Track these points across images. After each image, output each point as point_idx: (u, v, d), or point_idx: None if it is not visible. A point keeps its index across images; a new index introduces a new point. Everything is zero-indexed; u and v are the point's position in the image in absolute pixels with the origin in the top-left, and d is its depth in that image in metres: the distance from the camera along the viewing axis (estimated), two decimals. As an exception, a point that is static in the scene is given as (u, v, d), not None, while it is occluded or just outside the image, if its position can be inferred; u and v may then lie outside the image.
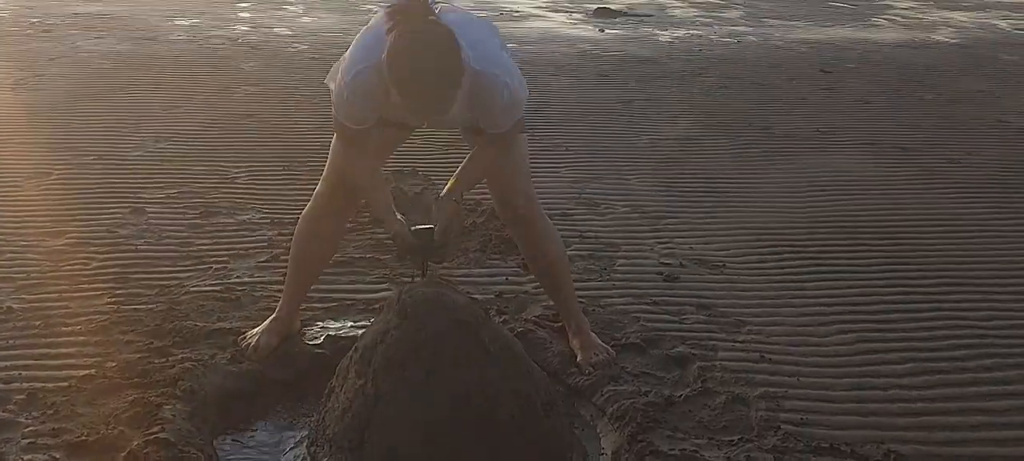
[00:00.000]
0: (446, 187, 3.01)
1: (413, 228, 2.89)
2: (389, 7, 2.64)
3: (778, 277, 4.02)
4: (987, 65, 9.03)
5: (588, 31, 9.95)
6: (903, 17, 12.05)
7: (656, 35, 9.87)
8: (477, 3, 11.46)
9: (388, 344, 2.76)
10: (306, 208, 3.25)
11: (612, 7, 11.35)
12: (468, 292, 3.21)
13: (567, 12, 11.20)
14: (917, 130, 6.50)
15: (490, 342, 2.78)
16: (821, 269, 4.10)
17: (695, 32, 10.16)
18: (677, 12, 11.58)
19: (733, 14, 11.61)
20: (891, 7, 12.86)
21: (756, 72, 8.20)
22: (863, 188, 5.20)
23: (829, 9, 12.30)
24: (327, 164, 3.17)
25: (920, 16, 12.25)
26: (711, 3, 12.38)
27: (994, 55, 9.59)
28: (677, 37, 9.80)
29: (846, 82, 7.99)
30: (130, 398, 2.89)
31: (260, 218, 4.41)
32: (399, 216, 2.92)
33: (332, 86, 2.92)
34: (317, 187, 3.22)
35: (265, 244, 4.13)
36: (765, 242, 4.38)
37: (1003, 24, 11.88)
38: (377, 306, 3.54)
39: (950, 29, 11.31)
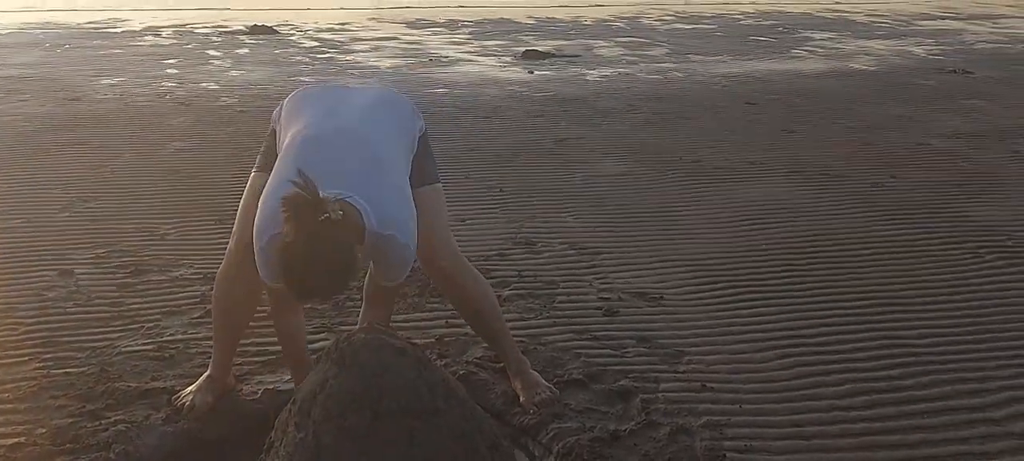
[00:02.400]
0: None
1: None
2: (283, 199, 2.53)
3: (715, 306, 4.06)
4: (905, 91, 9.27)
5: (517, 74, 10.02)
6: (822, 48, 12.34)
7: (584, 75, 9.97)
8: (407, 51, 11.51)
9: (328, 393, 2.71)
10: (221, 266, 3.19)
11: (540, 49, 11.46)
12: (408, 336, 3.17)
13: (496, 56, 11.28)
14: (841, 156, 6.63)
15: (432, 387, 2.75)
16: (756, 296, 4.15)
17: (622, 70, 10.28)
18: (603, 52, 11.72)
19: (658, 52, 11.79)
20: (810, 39, 13.17)
21: (684, 106, 8.32)
22: (793, 215, 5.29)
23: (750, 44, 12.56)
24: (235, 224, 3.11)
25: (838, 46, 12.56)
26: (637, 42, 12.57)
27: (911, 81, 9.85)
28: (605, 76, 9.91)
29: (771, 112, 8.14)
30: (61, 466, 2.81)
31: (192, 274, 4.34)
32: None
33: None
34: (228, 245, 3.16)
35: (198, 300, 4.06)
36: (701, 273, 4.42)
37: (919, 50, 12.24)
38: (315, 356, 3.49)
39: (868, 57, 11.61)
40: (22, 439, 2.96)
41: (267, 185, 2.85)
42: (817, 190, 5.78)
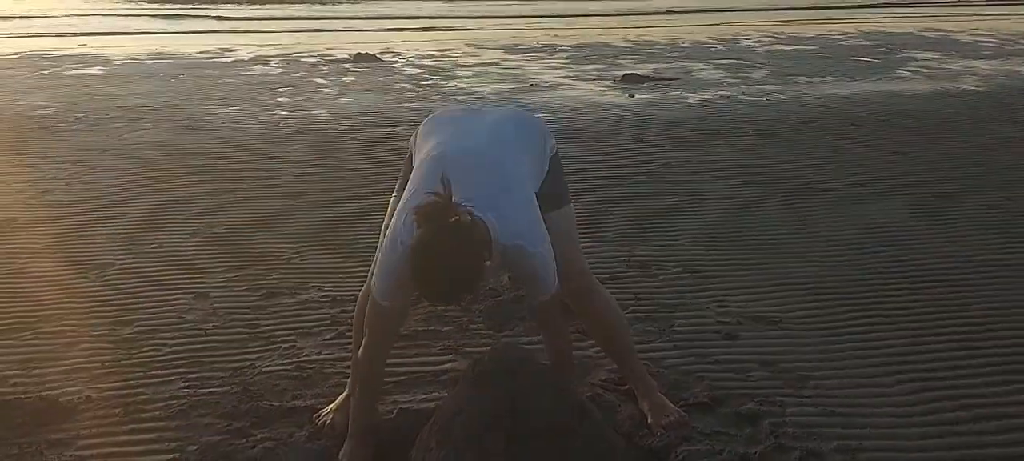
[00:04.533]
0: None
1: None
2: (415, 207, 2.68)
3: (835, 330, 4.06)
4: (1015, 112, 9.08)
5: (617, 98, 10.09)
6: (927, 68, 12.15)
7: (685, 98, 9.99)
8: (507, 76, 11.67)
9: (467, 414, 2.82)
10: (363, 288, 3.31)
11: (639, 73, 11.51)
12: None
13: (595, 80, 11.36)
14: (953, 179, 6.55)
15: (567, 408, 2.84)
16: (875, 319, 4.14)
17: (723, 93, 10.28)
18: (703, 75, 11.73)
19: (758, 74, 11.74)
20: (914, 59, 12.97)
21: (788, 128, 8.29)
22: (906, 238, 5.25)
23: (853, 65, 12.43)
24: (378, 250, 3.24)
25: (943, 66, 12.35)
26: (736, 64, 12.54)
27: (1022, 102, 9.64)
28: (706, 99, 9.92)
29: (878, 134, 8.07)
30: (216, 479, 2.96)
31: (321, 296, 4.50)
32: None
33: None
34: (371, 269, 3.29)
35: (329, 322, 4.21)
36: (818, 295, 4.43)
37: (1027, 70, 11.97)
38: (444, 377, 3.61)
39: (975, 77, 11.40)
40: (176, 455, 3.12)
41: (401, 201, 2.98)
42: (929, 213, 5.73)
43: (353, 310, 3.44)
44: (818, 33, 15.61)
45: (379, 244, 3.21)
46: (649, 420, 3.30)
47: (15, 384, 3.63)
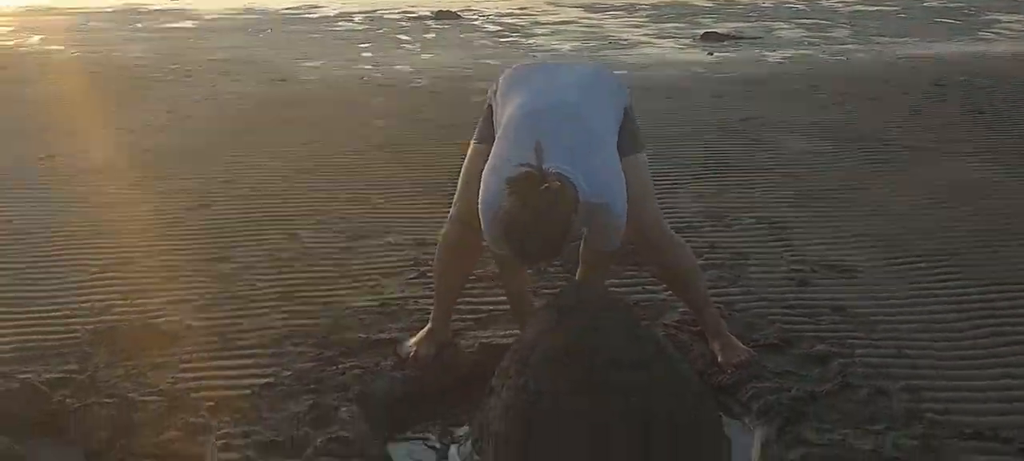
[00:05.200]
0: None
1: None
2: (507, 180, 2.80)
3: (909, 279, 4.12)
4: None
5: (697, 55, 10.11)
6: (1010, 30, 11.90)
7: (765, 56, 9.97)
8: (587, 34, 11.72)
9: (545, 345, 2.96)
10: (442, 231, 3.47)
11: (719, 31, 11.49)
12: (613, 298, 3.38)
13: (674, 38, 11.38)
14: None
15: (641, 341, 2.97)
16: (952, 270, 4.19)
17: (804, 52, 10.23)
18: (784, 34, 11.66)
19: (840, 33, 11.63)
20: (998, 21, 12.71)
21: (868, 87, 8.25)
22: (985, 196, 5.25)
23: (936, 26, 12.23)
24: (457, 193, 3.38)
25: (1030, 27, 12.10)
26: (817, 24, 12.43)
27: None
28: (787, 57, 9.89)
29: (958, 94, 7.99)
30: (309, 402, 3.14)
31: (404, 239, 4.68)
32: None
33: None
34: (450, 212, 3.44)
35: (411, 262, 4.38)
36: (893, 247, 4.48)
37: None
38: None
39: (1062, 39, 11.15)
40: (272, 380, 3.32)
41: (490, 160, 3.11)
42: (1008, 169, 5.70)
43: (433, 253, 3.61)
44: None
45: (458, 188, 3.37)
46: (719, 359, 3.41)
47: (119, 312, 3.87)
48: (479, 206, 3.07)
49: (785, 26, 12.23)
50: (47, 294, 4.06)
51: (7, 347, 3.57)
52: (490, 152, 3.15)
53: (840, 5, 14.37)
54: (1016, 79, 8.65)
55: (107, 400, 3.14)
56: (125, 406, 3.12)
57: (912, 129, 6.76)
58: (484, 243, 3.26)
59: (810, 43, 10.88)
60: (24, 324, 3.77)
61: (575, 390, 2.85)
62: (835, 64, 9.51)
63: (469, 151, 3.38)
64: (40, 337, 3.65)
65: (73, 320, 3.79)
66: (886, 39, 11.15)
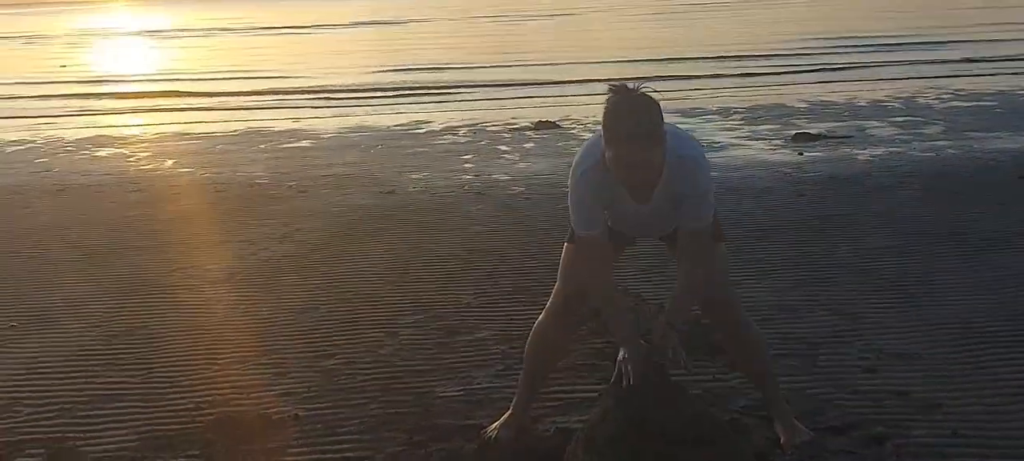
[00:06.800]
0: (666, 312, 3.49)
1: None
2: (610, 86, 3.24)
3: (975, 364, 4.30)
4: None
5: (786, 156, 10.33)
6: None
7: (855, 154, 10.14)
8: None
9: (609, 426, 3.26)
10: (538, 318, 3.82)
11: (811, 131, 11.68)
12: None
13: (766, 139, 11.61)
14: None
15: (702, 420, 3.24)
16: (1017, 355, 4.34)
17: (894, 149, 10.36)
18: (876, 132, 11.78)
19: (932, 130, 11.71)
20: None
21: (953, 183, 8.36)
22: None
23: (1028, 119, 12.22)
24: (558, 278, 3.73)
25: None
26: (911, 121, 12.51)
27: None
28: (876, 155, 10.04)
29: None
30: (400, 482, 3.52)
31: (493, 336, 5.04)
32: (641, 341, 3.41)
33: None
34: (549, 300, 3.78)
35: (499, 357, 4.74)
36: (963, 335, 4.66)
37: None
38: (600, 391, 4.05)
39: None
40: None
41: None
42: (1092, 261, 5.79)
43: (521, 348, 3.97)
44: (1000, 89, 15.30)
45: (559, 275, 3.70)
46: (782, 440, 3.66)
47: (237, 404, 4.32)
48: (573, 172, 3.39)
49: (878, 124, 12.36)
50: (174, 388, 4.54)
51: (140, 434, 4.05)
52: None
53: (935, 101, 14.40)
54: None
55: (225, 479, 3.57)
56: (240, 484, 3.54)
57: (994, 221, 6.87)
58: (573, 336, 3.58)
59: (902, 140, 10.99)
60: (154, 415, 4.25)
61: (638, 467, 3.14)
62: (922, 160, 9.64)
63: (564, 248, 3.70)
64: (167, 427, 4.12)
65: (196, 412, 4.25)
66: (978, 133, 11.21)
